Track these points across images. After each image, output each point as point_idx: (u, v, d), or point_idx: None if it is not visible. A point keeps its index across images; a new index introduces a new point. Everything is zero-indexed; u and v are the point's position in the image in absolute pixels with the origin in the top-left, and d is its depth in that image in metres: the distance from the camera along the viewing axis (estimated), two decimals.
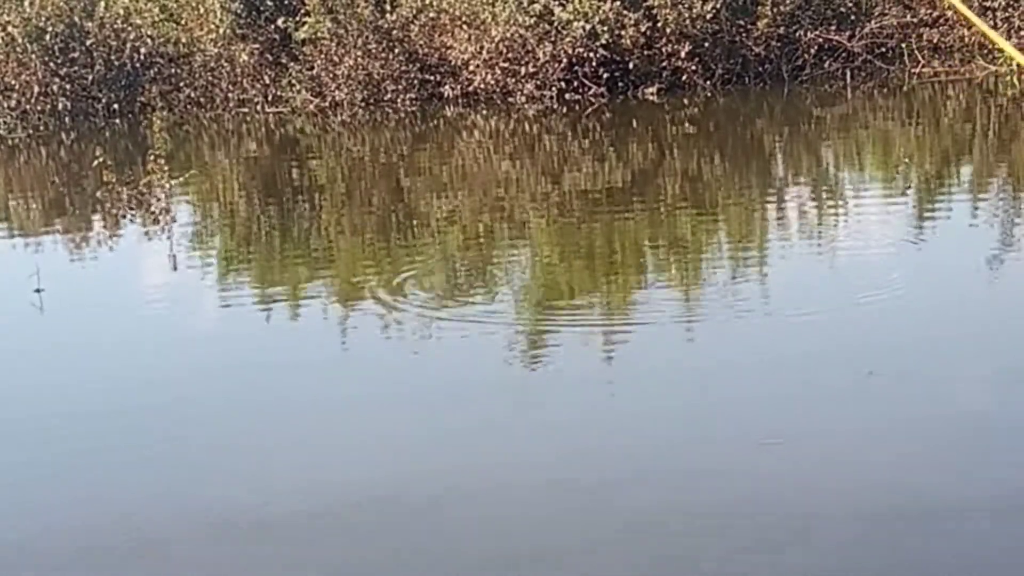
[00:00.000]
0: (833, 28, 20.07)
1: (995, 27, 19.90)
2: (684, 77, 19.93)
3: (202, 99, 21.70)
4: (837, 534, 5.03)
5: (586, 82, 19.75)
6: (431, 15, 20.32)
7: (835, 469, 5.68)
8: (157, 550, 5.31)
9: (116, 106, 21.61)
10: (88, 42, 21.58)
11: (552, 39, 19.50)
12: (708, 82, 19.93)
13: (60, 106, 21.68)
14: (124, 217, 12.91)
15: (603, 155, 15.65)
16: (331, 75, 20.70)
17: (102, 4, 22.05)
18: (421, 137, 18.24)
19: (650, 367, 7.26)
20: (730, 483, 5.57)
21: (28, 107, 21.78)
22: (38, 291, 9.55)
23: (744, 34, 19.93)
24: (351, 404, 6.99)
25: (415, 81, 20.58)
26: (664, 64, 19.91)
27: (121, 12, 21.97)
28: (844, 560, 4.85)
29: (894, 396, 6.52)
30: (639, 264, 10.09)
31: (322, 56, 20.67)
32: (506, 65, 19.85)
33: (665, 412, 6.55)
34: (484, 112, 19.56)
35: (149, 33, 21.85)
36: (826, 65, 20.04)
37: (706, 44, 19.82)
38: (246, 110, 21.33)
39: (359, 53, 20.43)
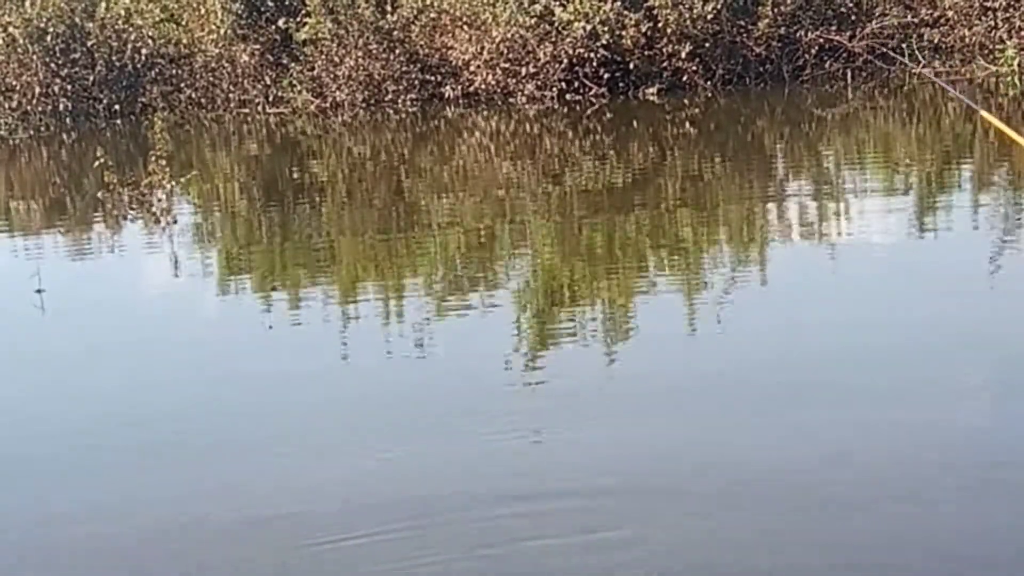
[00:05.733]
0: (834, 28, 20.09)
1: (995, 27, 19.95)
2: (685, 77, 19.95)
3: (203, 100, 21.73)
4: None
5: (587, 82, 19.76)
6: (432, 16, 20.34)
7: None
8: (154, 551, 5.31)
9: (117, 107, 21.64)
10: (89, 43, 21.61)
11: (553, 40, 19.51)
12: (709, 82, 19.94)
13: (61, 107, 21.71)
14: (125, 218, 12.92)
15: (604, 155, 15.66)
16: (332, 76, 20.72)
17: (103, 5, 22.08)
18: (422, 138, 18.25)
19: (647, 367, 7.27)
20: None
21: (29, 108, 21.81)
22: (39, 291, 9.57)
23: (745, 34, 19.94)
24: (352, 406, 6.99)
25: (416, 82, 20.60)
26: (665, 64, 19.93)
27: (122, 13, 22.01)
28: None
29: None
30: (639, 264, 10.09)
31: (323, 57, 20.69)
32: (507, 66, 19.86)
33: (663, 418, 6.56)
34: (485, 113, 19.57)
35: (150, 34, 21.88)
36: (827, 65, 20.06)
37: (707, 44, 19.83)
38: (247, 111, 21.35)
39: (360, 54, 20.45)
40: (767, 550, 4.92)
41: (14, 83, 21.82)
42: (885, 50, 14.11)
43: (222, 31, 21.39)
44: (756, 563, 4.84)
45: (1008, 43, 19.53)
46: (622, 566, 4.85)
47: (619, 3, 19.51)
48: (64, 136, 20.63)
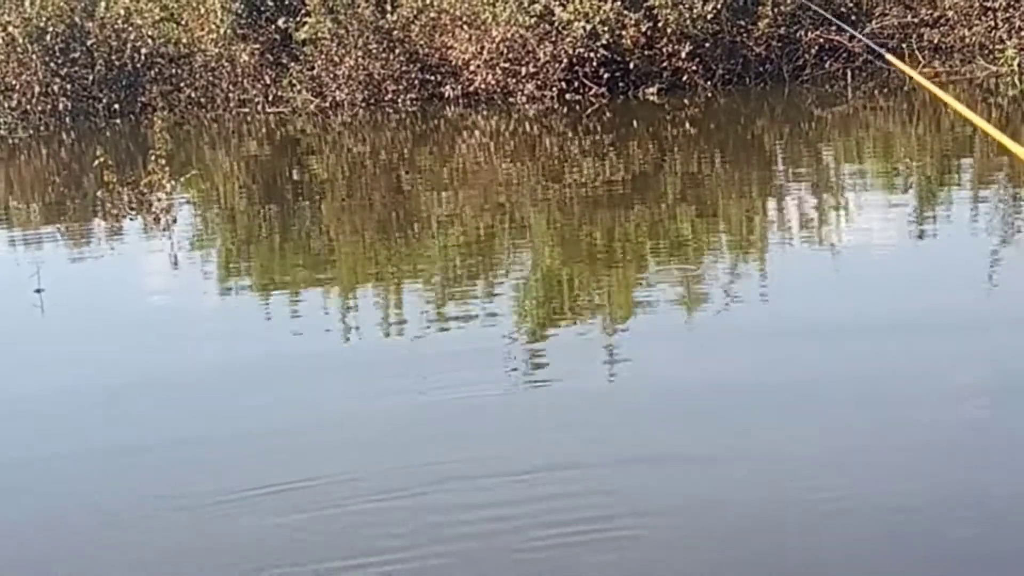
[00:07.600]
0: (833, 28, 20.08)
1: (995, 27, 19.95)
2: (685, 77, 19.95)
3: (203, 99, 21.73)
4: None
5: (587, 82, 19.76)
6: (432, 15, 20.35)
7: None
8: (154, 552, 5.32)
9: (117, 106, 21.64)
10: (89, 42, 21.61)
11: (553, 39, 19.52)
12: (709, 82, 19.95)
13: (61, 106, 21.71)
14: (125, 217, 12.92)
15: (603, 155, 15.66)
16: (332, 75, 20.73)
17: (103, 4, 22.10)
18: (422, 137, 18.25)
19: (646, 369, 7.27)
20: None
21: (29, 107, 21.81)
22: (39, 291, 9.56)
23: (745, 34, 19.95)
24: (352, 402, 6.99)
25: (416, 81, 20.60)
26: (665, 64, 19.94)
27: (122, 12, 22.01)
28: None
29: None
30: (638, 264, 10.09)
31: (323, 56, 20.70)
32: (507, 65, 19.86)
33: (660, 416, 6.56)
34: (485, 112, 19.57)
35: (150, 33, 21.88)
36: (827, 65, 20.07)
37: (707, 44, 19.84)
38: (247, 110, 21.35)
39: (360, 53, 20.45)
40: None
41: (14, 82, 21.81)
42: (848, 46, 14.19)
43: (222, 31, 21.39)
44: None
45: (1008, 43, 19.54)
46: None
47: (619, 3, 19.51)
48: (64, 135, 20.63)
